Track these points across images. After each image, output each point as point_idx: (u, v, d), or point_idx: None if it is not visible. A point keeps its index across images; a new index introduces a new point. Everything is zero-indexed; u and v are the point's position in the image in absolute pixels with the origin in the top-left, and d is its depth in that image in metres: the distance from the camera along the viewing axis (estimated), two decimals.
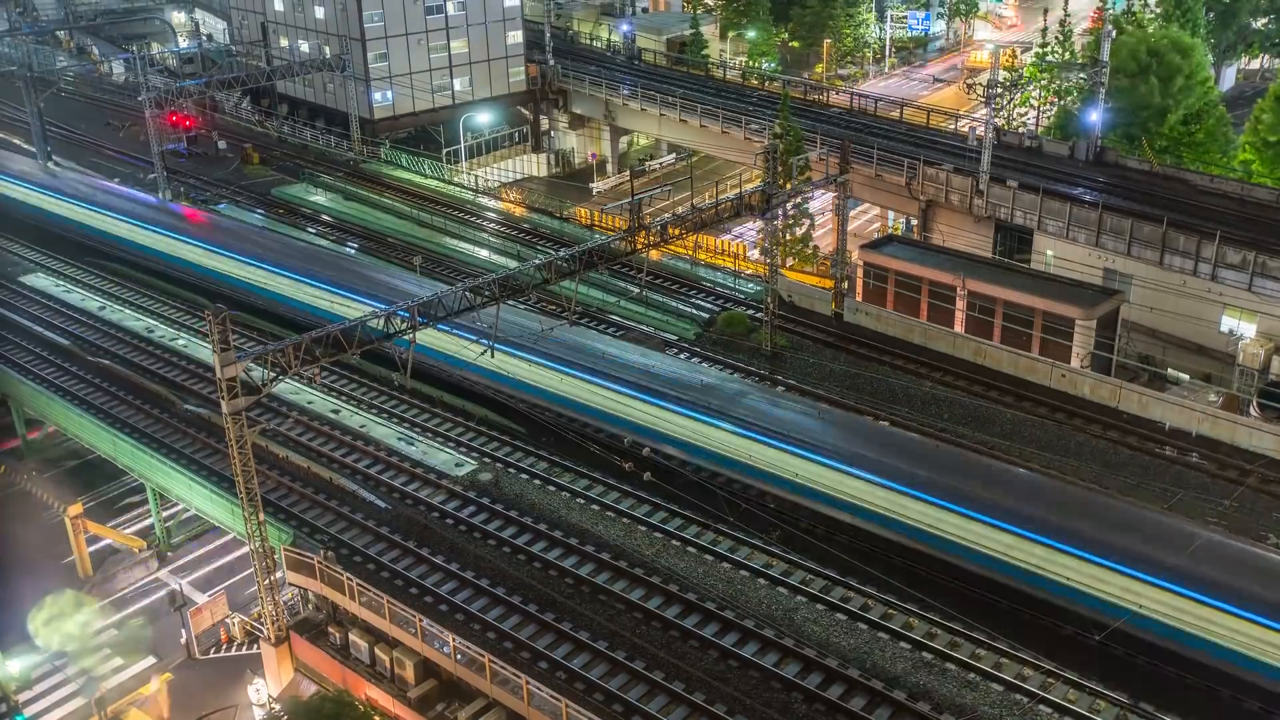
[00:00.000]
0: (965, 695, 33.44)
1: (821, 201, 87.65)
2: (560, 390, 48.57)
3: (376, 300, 52.17)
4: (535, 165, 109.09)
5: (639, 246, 48.65)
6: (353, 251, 71.81)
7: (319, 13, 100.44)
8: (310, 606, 41.65)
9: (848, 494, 40.53)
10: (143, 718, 43.81)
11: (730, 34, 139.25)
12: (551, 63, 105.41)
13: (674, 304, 62.09)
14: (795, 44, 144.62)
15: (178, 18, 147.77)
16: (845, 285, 59.66)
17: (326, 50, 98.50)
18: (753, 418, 44.41)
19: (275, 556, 40.40)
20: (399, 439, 49.12)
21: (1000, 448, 45.88)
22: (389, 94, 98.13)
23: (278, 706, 41.02)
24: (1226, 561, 35.11)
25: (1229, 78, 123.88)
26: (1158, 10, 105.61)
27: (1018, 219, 67.97)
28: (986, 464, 42.37)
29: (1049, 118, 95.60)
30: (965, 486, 39.25)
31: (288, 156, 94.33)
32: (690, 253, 70.44)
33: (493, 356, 44.82)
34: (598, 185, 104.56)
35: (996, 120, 70.41)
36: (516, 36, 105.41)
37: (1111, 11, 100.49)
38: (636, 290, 62.34)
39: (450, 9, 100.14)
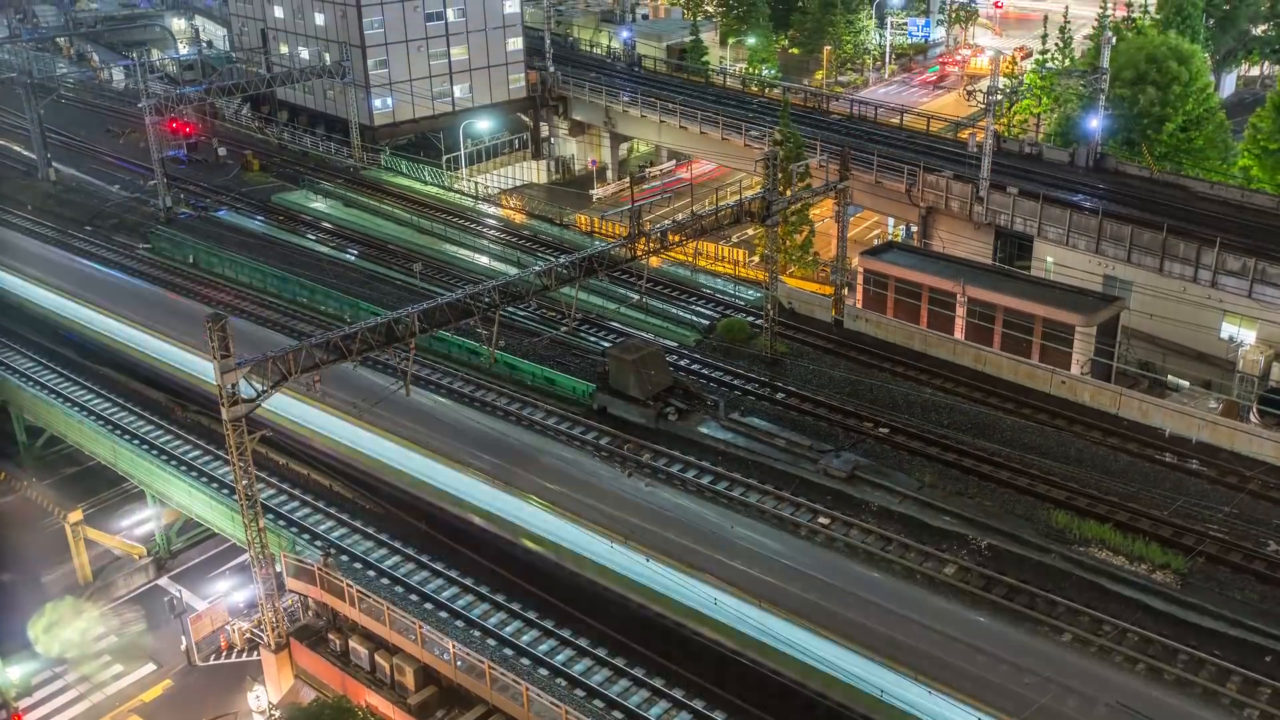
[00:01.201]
0: None
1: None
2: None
3: None
4: (535, 172, 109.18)
5: (639, 253, 48.71)
6: (352, 258, 71.88)
7: (319, 19, 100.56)
8: (310, 613, 41.65)
9: None
10: None
11: (730, 41, 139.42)
12: (552, 69, 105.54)
13: (674, 310, 62.10)
14: (795, 50, 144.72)
15: (178, 24, 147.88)
16: (845, 292, 59.69)
17: (327, 57, 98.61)
18: None
19: (275, 564, 40.42)
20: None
21: (1000, 454, 45.92)
22: (389, 100, 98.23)
23: (278, 713, 41.03)
24: None
25: (1228, 84, 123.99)
26: (1157, 16, 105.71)
27: (1018, 226, 68.00)
28: None
29: (1049, 124, 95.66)
30: None
31: (288, 163, 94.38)
32: (690, 259, 70.49)
33: (494, 363, 44.89)
34: (598, 192, 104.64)
35: (995, 127, 70.41)
36: (517, 43, 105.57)
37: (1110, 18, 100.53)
38: (637, 297, 62.36)
39: (450, 16, 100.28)
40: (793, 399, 51.59)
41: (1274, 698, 33.10)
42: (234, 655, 44.20)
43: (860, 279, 60.54)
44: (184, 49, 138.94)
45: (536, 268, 46.55)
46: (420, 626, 37.22)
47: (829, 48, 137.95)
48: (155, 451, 51.01)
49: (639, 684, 35.14)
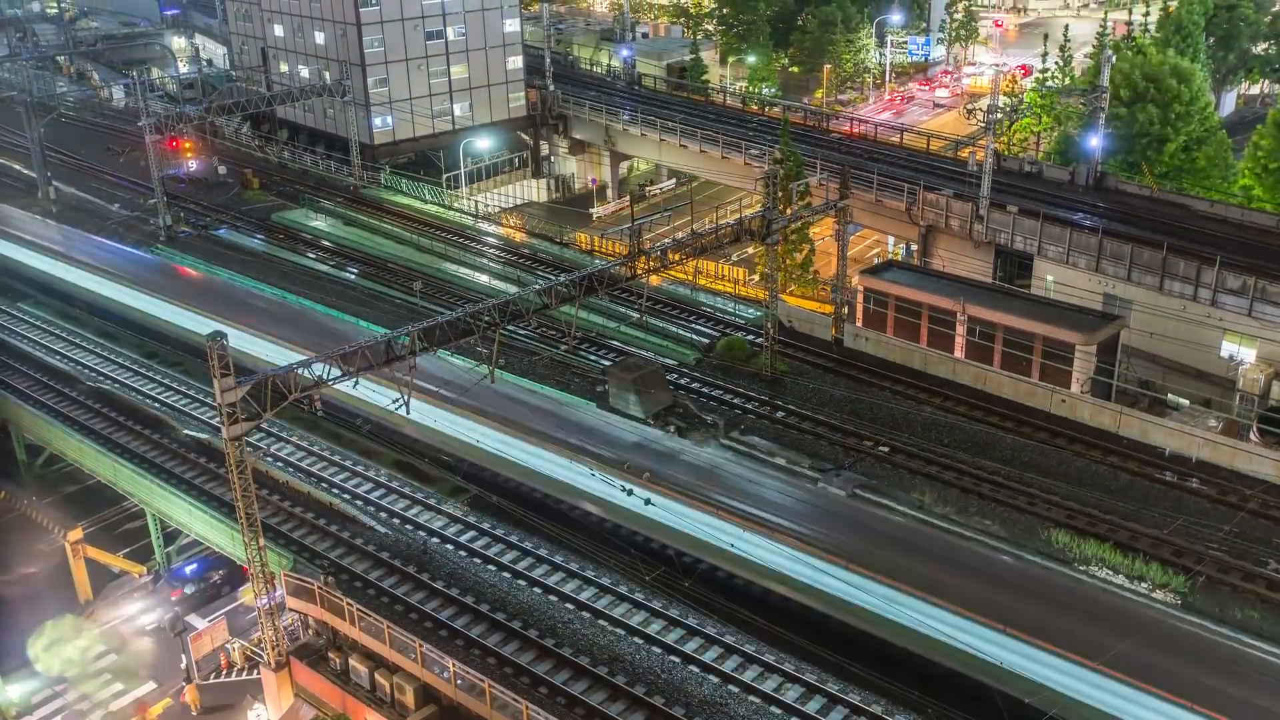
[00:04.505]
0: None
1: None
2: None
3: None
4: (535, 190, 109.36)
5: (639, 272, 48.76)
6: (353, 277, 71.94)
7: (319, 38, 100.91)
8: (310, 632, 41.56)
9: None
10: None
11: (730, 59, 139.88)
12: (552, 88, 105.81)
13: (674, 329, 62.12)
14: (795, 69, 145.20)
15: (178, 43, 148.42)
16: (845, 310, 59.73)
17: (327, 75, 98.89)
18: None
19: (275, 582, 40.35)
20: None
21: (1000, 473, 45.88)
22: (389, 119, 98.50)
23: None
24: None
25: (1229, 103, 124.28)
26: (1157, 35, 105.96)
27: (1018, 244, 68.11)
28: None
29: (1049, 143, 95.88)
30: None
31: (287, 181, 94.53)
32: (690, 278, 70.54)
33: (493, 382, 44.87)
34: (598, 210, 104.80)
35: (995, 145, 70.56)
36: (517, 62, 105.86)
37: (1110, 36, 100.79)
38: (637, 315, 62.37)
39: (450, 34, 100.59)
40: (793, 418, 51.59)
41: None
42: (234, 674, 44.23)
43: (860, 297, 60.63)
44: (184, 68, 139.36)
45: (536, 286, 46.60)
46: (420, 645, 37.15)
47: (829, 66, 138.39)
48: (155, 470, 50.97)
49: (638, 703, 35.06)
